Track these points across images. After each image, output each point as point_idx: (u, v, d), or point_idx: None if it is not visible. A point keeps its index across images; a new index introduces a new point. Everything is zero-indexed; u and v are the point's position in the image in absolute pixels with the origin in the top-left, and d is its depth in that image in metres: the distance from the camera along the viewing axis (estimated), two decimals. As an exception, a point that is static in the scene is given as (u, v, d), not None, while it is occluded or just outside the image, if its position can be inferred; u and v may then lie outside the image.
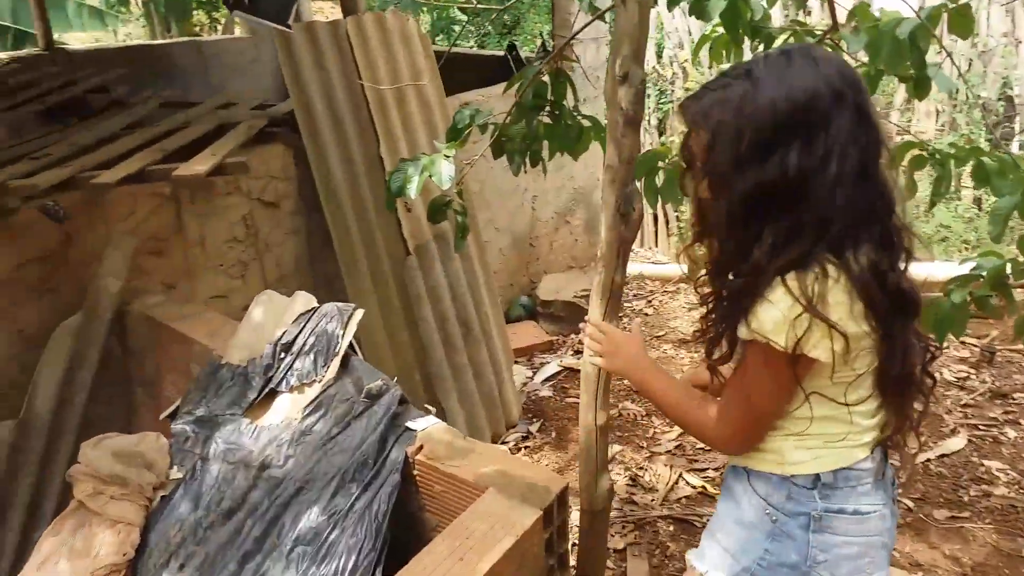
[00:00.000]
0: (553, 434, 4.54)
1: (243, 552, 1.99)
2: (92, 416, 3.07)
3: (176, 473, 2.22)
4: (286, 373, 2.38)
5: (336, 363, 2.37)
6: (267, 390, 2.36)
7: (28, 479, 2.69)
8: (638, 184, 2.00)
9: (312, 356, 2.40)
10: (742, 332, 1.34)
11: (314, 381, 2.36)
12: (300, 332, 2.46)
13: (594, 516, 2.27)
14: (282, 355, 2.42)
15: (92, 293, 2.83)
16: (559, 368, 5.25)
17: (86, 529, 2.01)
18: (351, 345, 2.55)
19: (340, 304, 2.53)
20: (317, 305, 2.56)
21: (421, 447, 2.13)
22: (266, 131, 3.97)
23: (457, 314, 4.39)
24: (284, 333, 2.46)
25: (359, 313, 2.49)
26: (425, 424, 2.20)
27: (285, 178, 3.87)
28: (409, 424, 2.19)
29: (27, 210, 2.80)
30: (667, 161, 2.29)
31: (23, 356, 2.81)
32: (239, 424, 2.28)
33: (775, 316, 1.28)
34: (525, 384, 5.09)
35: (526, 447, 4.43)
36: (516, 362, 5.37)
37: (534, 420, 4.72)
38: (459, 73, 4.97)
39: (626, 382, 4.94)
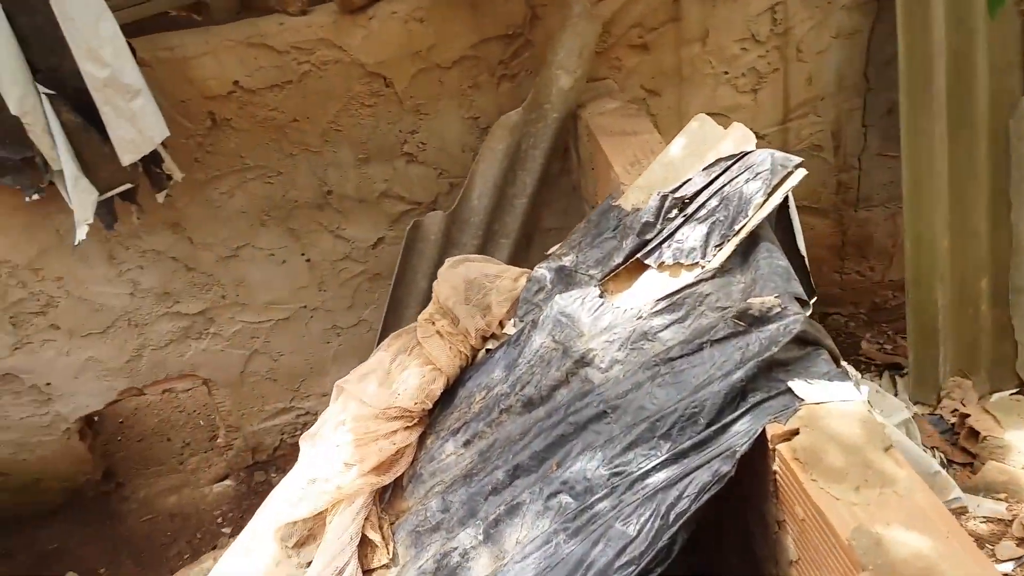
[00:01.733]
0: None
1: (517, 463, 1.60)
2: (545, 225, 3.00)
3: (511, 328, 1.91)
4: (663, 241, 1.74)
5: (731, 246, 1.61)
6: (634, 258, 1.78)
7: (460, 275, 2.78)
8: None
9: (707, 226, 1.69)
10: None
11: (696, 264, 1.67)
12: (707, 186, 1.75)
13: None
14: (671, 213, 1.77)
15: (538, 86, 2.59)
16: None
17: (406, 355, 1.90)
18: (782, 221, 1.73)
19: (779, 154, 1.69)
20: (751, 149, 1.77)
21: (795, 433, 1.30)
22: None
23: (1097, 204, 2.81)
24: (685, 183, 1.79)
25: (799, 174, 1.62)
26: (822, 394, 1.34)
27: (850, -50, 2.83)
28: (795, 384, 1.36)
29: (497, -21, 2.63)
30: None
31: (479, 146, 2.80)
32: (586, 293, 1.79)
33: None
34: None
35: None
36: None
37: None
38: None
39: None
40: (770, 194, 1.62)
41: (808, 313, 1.46)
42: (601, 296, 1.77)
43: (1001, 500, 2.50)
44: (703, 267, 1.64)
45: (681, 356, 1.48)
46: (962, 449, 2.73)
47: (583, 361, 1.63)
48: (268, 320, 2.92)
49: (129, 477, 3.27)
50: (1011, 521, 2.45)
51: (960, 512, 1.76)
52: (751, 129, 3.09)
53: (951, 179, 2.82)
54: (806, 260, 1.75)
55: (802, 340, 1.40)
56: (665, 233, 1.75)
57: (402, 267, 2.80)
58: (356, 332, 3.06)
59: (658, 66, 2.88)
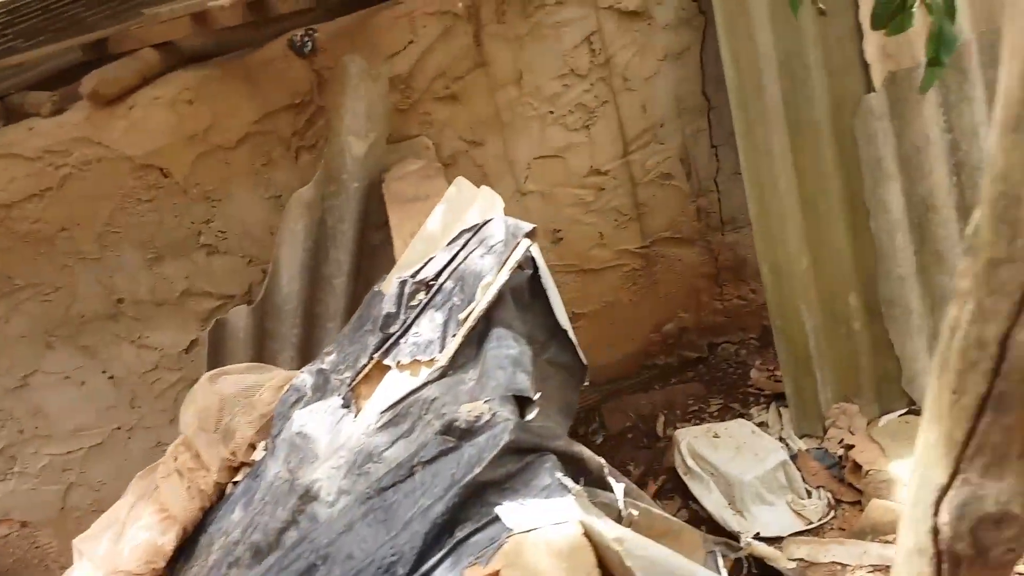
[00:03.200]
0: None
1: (240, 631, 1.35)
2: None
3: (260, 452, 1.67)
4: (402, 335, 1.53)
5: (459, 338, 1.40)
6: (373, 360, 1.57)
7: (286, 368, 2.55)
8: None
9: (445, 313, 1.48)
10: None
11: (433, 360, 1.45)
12: (450, 262, 1.54)
13: None
14: (415, 300, 1.56)
15: (329, 156, 2.39)
16: None
17: (141, 504, 1.66)
18: (539, 291, 1.52)
19: (512, 221, 1.49)
20: (494, 216, 1.57)
21: (495, 577, 1.08)
22: None
23: (959, 200, 2.66)
24: (427, 263, 1.58)
25: (524, 245, 1.42)
26: (533, 518, 1.11)
27: (655, -30, 2.70)
28: (504, 509, 1.13)
29: (272, 46, 2.45)
30: None
31: (285, 227, 2.59)
32: (329, 404, 1.56)
33: None
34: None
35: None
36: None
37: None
38: None
39: None
40: (502, 267, 1.42)
41: (533, 413, 1.25)
42: (346, 406, 1.55)
43: (890, 543, 2.29)
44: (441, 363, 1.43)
45: (393, 484, 1.26)
46: (849, 485, 2.53)
47: (309, 495, 1.40)
48: (79, 448, 2.66)
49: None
50: (903, 566, 2.24)
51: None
52: (592, 165, 2.96)
53: (800, 193, 2.65)
54: (570, 332, 1.54)
55: (518, 450, 1.18)
56: (406, 325, 1.53)
57: (214, 371, 2.55)
58: (191, 444, 2.80)
59: (474, 115, 2.70)
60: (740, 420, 2.74)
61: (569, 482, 1.16)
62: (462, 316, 1.40)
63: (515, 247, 1.42)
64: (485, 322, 1.42)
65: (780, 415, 2.86)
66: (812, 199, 2.65)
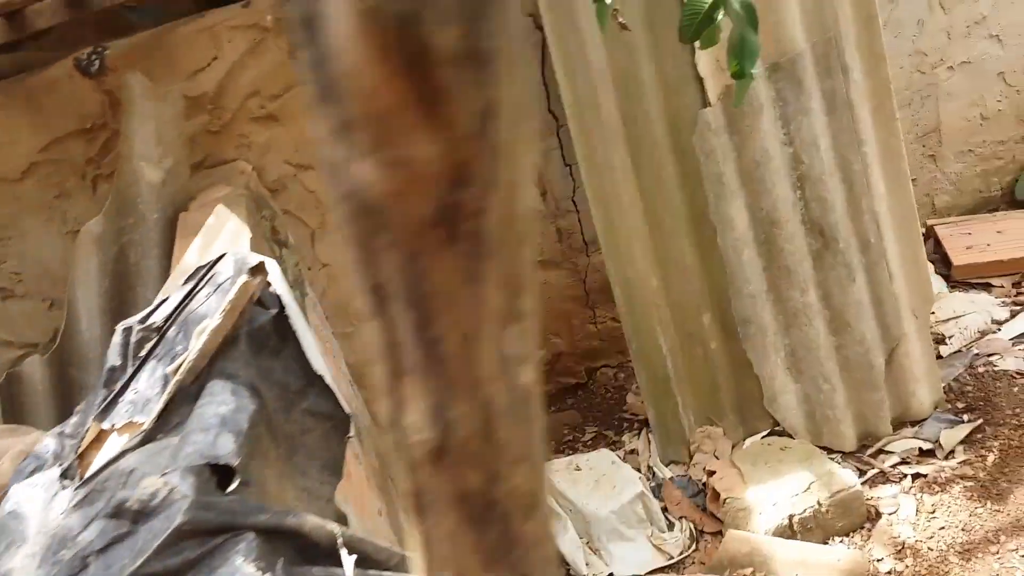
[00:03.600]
0: (992, 456, 2.49)
1: None
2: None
3: (-19, 534, 1.43)
4: (119, 393, 1.32)
5: (166, 395, 1.20)
6: (91, 422, 1.35)
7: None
8: None
9: (167, 363, 1.28)
10: None
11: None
12: (179, 306, 1.34)
13: None
14: (144, 351, 1.35)
15: (120, 186, 2.16)
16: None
17: None
18: (282, 336, 1.34)
19: (243, 255, 1.31)
20: (237, 250, 1.38)
21: None
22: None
23: (804, 214, 2.58)
24: (159, 306, 1.38)
25: (241, 282, 1.23)
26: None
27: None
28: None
29: (56, 67, 2.22)
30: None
31: (90, 265, 2.35)
32: (49, 475, 1.34)
33: None
34: (969, 345, 2.93)
35: (920, 477, 2.49)
36: (967, 285, 3.16)
37: (965, 416, 2.67)
38: None
39: None
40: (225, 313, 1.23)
41: (234, 484, 1.05)
42: (67, 477, 1.33)
43: (746, 576, 2.16)
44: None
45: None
46: (711, 515, 2.40)
47: (-4, 590, 1.18)
48: None
49: None
50: (756, 604, 2.11)
51: None
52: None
53: (646, 211, 2.53)
54: (326, 377, 1.36)
55: (197, 532, 0.99)
56: (125, 380, 1.33)
57: (8, 429, 2.28)
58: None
59: (299, 136, 2.51)
60: (603, 450, 2.60)
61: (251, 569, 0.97)
62: (170, 369, 1.20)
63: (243, 281, 1.23)
64: (208, 373, 1.22)
65: (650, 441, 2.73)
66: (658, 216, 2.54)
